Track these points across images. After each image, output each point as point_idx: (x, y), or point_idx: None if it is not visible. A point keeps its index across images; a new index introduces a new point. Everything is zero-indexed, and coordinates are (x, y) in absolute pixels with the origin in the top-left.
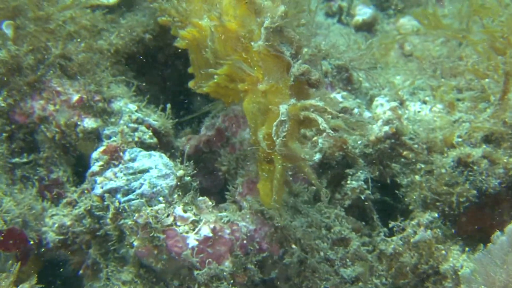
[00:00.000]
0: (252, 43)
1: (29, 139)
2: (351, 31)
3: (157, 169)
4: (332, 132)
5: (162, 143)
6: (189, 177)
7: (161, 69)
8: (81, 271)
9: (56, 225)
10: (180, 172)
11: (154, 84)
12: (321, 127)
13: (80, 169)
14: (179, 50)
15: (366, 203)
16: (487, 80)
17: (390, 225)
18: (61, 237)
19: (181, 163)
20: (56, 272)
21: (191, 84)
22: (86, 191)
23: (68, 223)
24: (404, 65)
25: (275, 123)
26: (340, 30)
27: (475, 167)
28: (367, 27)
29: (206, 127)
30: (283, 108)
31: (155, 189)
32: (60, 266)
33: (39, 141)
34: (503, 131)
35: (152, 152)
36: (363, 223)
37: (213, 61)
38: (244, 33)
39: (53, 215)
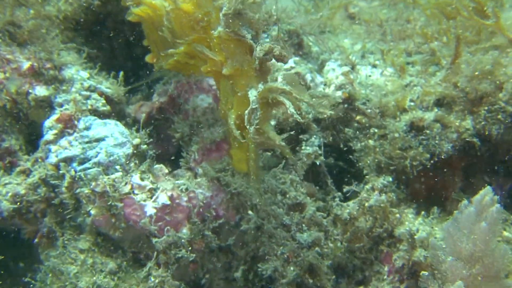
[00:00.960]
0: (213, 31)
1: None
2: None
3: (113, 137)
4: (300, 118)
5: (115, 110)
6: (145, 145)
7: (109, 36)
8: (36, 240)
9: (10, 193)
10: (136, 140)
11: (103, 51)
12: (289, 111)
13: (32, 138)
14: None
15: (320, 168)
16: (436, 43)
17: (345, 190)
18: (15, 206)
19: (137, 131)
20: (10, 240)
21: (148, 58)
22: (39, 160)
23: (22, 191)
24: (351, 29)
25: (246, 111)
26: None
27: (428, 131)
28: None
29: (158, 93)
30: (252, 95)
31: (111, 158)
32: (14, 235)
33: None
34: (454, 94)
35: (107, 120)
36: (317, 187)
37: (171, 40)
38: (200, 15)
39: (6, 183)
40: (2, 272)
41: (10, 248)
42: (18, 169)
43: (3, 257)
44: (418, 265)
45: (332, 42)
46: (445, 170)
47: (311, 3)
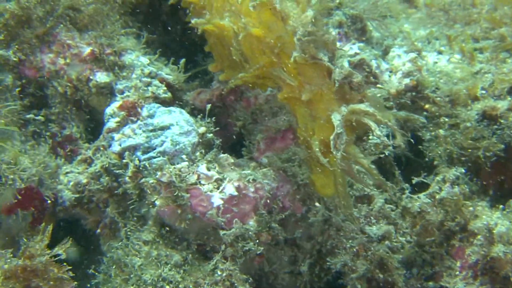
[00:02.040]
0: (291, 57)
1: (39, 94)
2: None
3: (179, 125)
4: (387, 140)
5: (176, 98)
6: (211, 134)
7: (165, 20)
8: (98, 230)
9: (72, 183)
10: (202, 129)
11: (158, 36)
12: (375, 134)
13: (92, 125)
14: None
15: (387, 158)
16: (504, 28)
17: (414, 181)
18: (77, 195)
19: (201, 119)
20: (72, 230)
21: (212, 68)
22: (101, 148)
23: (84, 181)
24: (408, 13)
25: (331, 137)
26: None
27: (502, 120)
28: None
29: (219, 80)
30: (336, 119)
31: (177, 147)
32: (76, 225)
33: (50, 96)
34: None
35: (172, 108)
36: (384, 179)
37: (238, 58)
38: (271, 39)
39: (67, 172)
40: (65, 263)
41: (72, 239)
42: (79, 157)
43: (70, 241)
44: (497, 261)
45: (394, 27)
46: None
47: None
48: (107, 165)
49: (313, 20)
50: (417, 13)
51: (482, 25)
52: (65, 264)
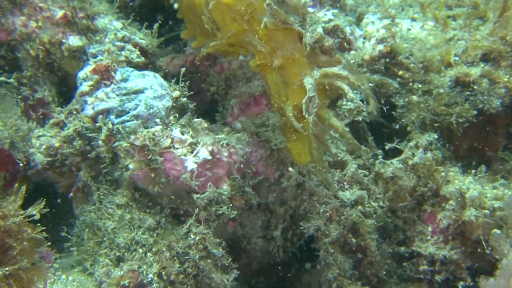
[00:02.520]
0: (261, 24)
1: (10, 57)
2: None
3: (153, 89)
4: (361, 103)
5: (149, 62)
6: (185, 98)
7: None
8: (71, 194)
9: (44, 146)
10: (176, 93)
11: (131, 1)
12: (348, 96)
13: (64, 89)
14: None
15: (359, 124)
16: None
17: (387, 147)
18: (50, 158)
19: (176, 83)
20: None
21: (184, 35)
22: (74, 112)
23: (57, 144)
24: None
25: (303, 100)
26: None
27: (475, 87)
28: None
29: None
30: (308, 83)
31: (151, 110)
32: (48, 188)
33: (21, 59)
34: (502, 49)
35: (146, 72)
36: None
37: (210, 27)
38: (242, 6)
39: (39, 136)
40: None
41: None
42: (51, 121)
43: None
44: (468, 225)
45: None
46: (487, 128)
47: None
48: (80, 129)
49: None
50: None
51: None
52: (38, 225)
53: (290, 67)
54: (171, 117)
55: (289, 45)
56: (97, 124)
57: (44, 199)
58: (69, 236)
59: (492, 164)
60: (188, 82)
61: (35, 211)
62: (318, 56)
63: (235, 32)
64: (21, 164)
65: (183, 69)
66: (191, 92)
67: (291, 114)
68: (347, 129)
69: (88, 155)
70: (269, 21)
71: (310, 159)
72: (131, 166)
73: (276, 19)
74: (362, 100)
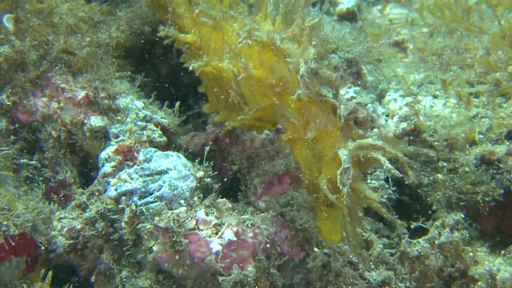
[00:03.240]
0: (293, 96)
1: (32, 138)
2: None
3: (176, 170)
4: (398, 172)
5: (171, 142)
6: (209, 179)
7: (156, 63)
8: (93, 277)
9: (66, 228)
10: (200, 173)
11: (150, 79)
12: (384, 167)
13: (85, 170)
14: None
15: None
16: (498, 73)
17: (412, 226)
18: (71, 241)
19: (199, 163)
20: (66, 278)
21: (206, 109)
22: (97, 193)
23: (79, 226)
24: (404, 57)
25: (338, 172)
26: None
27: (501, 165)
28: (351, 16)
29: (214, 123)
30: (343, 154)
31: (175, 191)
32: (70, 272)
33: (42, 140)
34: None
35: (169, 152)
36: (381, 224)
37: (237, 100)
38: (274, 80)
39: (61, 218)
40: None
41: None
42: (73, 203)
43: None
44: None
45: (388, 71)
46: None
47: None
48: (102, 210)
49: (315, 56)
50: (409, 57)
51: (476, 70)
52: None
53: (323, 140)
54: (195, 198)
55: (323, 118)
56: (120, 206)
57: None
58: None
59: None
60: (212, 162)
61: None
62: (352, 129)
63: (265, 106)
64: (42, 248)
65: (207, 148)
66: (215, 172)
67: (325, 187)
68: (381, 205)
69: (111, 237)
70: (303, 93)
71: (341, 237)
72: (155, 248)
73: (310, 91)
74: (386, 179)
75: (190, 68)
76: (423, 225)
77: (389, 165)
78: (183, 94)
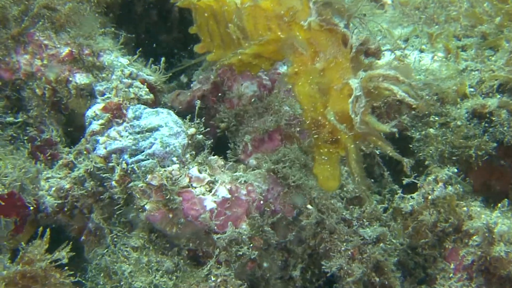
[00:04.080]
0: (302, 21)
1: (15, 97)
2: None
3: (168, 127)
4: (413, 100)
5: (157, 99)
6: (201, 136)
7: (137, 20)
8: (83, 237)
9: (54, 188)
10: (192, 130)
11: (131, 36)
12: (398, 96)
13: (70, 129)
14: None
15: (374, 159)
16: (484, 25)
17: (405, 182)
18: (60, 201)
19: (190, 120)
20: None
21: (198, 48)
22: (85, 152)
23: (67, 186)
24: (382, 13)
25: (350, 100)
26: None
27: (493, 118)
28: None
29: (200, 81)
30: (355, 83)
31: (168, 149)
32: (59, 231)
33: (26, 98)
34: None
35: (159, 109)
36: (372, 180)
37: (236, 36)
38: (282, 11)
39: (48, 178)
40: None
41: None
42: (60, 162)
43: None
44: (498, 261)
45: (372, 25)
46: (502, 161)
47: None
48: (91, 169)
49: None
50: (388, 12)
51: (462, 23)
52: (66, 269)
53: (332, 71)
54: (188, 155)
55: (333, 48)
56: (110, 164)
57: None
58: (83, 281)
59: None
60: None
61: (62, 254)
62: (361, 61)
63: (268, 39)
64: (31, 208)
65: (198, 103)
66: (207, 129)
67: (333, 118)
68: (387, 143)
69: (101, 197)
70: (315, 20)
71: (339, 183)
72: (147, 207)
73: (323, 18)
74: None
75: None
76: (415, 181)
77: (403, 94)
78: (163, 53)
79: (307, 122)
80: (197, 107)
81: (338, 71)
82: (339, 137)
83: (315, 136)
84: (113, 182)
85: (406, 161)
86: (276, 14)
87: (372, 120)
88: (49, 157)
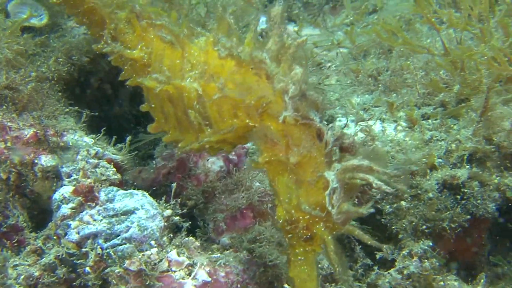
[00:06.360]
0: (276, 118)
1: None
2: None
3: (144, 209)
4: (390, 188)
5: (123, 179)
6: (177, 217)
7: (91, 95)
8: None
9: (23, 276)
10: (168, 212)
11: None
12: (374, 186)
13: (34, 212)
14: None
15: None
16: (442, 94)
17: (378, 256)
18: None
19: (166, 201)
20: None
21: (151, 129)
22: (55, 237)
23: (37, 273)
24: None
25: (327, 193)
26: None
27: (466, 190)
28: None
29: (163, 157)
30: (330, 175)
31: (145, 232)
32: None
33: None
34: (487, 149)
35: (133, 191)
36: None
37: (197, 122)
38: (253, 101)
39: (16, 265)
40: None
41: None
42: (28, 248)
43: None
44: None
45: (330, 94)
46: (471, 232)
47: None
48: (62, 255)
49: (303, 77)
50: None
51: (419, 91)
52: None
53: (306, 166)
54: (165, 238)
55: (307, 142)
56: (84, 250)
57: None
58: None
59: (477, 270)
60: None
61: None
62: (334, 155)
63: (237, 128)
64: None
65: (174, 184)
66: (184, 210)
67: (307, 207)
68: (362, 232)
69: (73, 284)
70: (290, 115)
71: (317, 285)
72: None
73: (300, 113)
74: None
75: (146, 84)
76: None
77: (379, 182)
78: (118, 126)
79: (280, 222)
80: (173, 189)
81: (312, 165)
82: (315, 231)
83: (290, 235)
84: (87, 268)
85: (385, 248)
86: (247, 104)
87: (348, 207)
88: (15, 244)
